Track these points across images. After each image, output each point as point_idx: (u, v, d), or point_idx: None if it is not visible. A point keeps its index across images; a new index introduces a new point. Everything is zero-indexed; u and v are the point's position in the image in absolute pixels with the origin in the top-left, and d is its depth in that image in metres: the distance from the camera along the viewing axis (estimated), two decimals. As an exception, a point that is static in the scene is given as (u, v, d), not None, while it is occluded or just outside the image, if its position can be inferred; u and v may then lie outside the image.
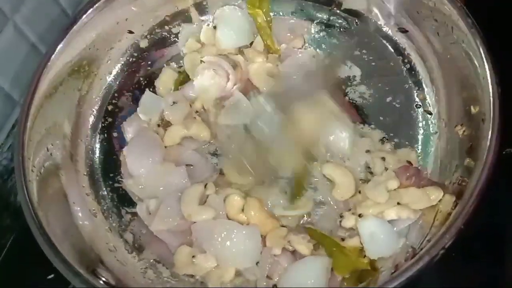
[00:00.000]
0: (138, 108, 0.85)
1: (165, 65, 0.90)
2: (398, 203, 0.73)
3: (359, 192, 0.76)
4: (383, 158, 0.78)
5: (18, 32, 0.81)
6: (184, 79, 0.88)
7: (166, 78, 0.88)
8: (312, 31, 0.89)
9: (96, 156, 0.83)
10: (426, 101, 0.82)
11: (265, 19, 0.89)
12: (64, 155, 0.78)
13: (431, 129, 0.80)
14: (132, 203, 0.80)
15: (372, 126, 0.82)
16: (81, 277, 0.62)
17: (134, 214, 0.79)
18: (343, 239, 0.74)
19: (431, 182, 0.75)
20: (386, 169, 0.77)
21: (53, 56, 0.75)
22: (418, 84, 0.83)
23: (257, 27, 0.89)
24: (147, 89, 0.86)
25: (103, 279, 0.65)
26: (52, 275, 0.78)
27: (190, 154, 0.82)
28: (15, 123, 0.85)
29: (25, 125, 0.70)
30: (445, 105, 0.79)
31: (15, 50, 0.82)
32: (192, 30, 0.90)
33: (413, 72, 0.84)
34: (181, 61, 0.89)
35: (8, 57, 0.81)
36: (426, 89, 0.82)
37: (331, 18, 0.89)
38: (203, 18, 0.91)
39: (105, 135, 0.85)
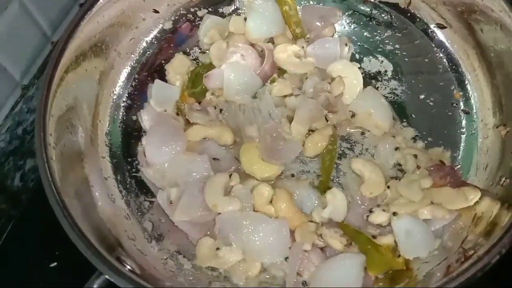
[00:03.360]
0: (150, 99, 0.81)
1: (181, 52, 0.86)
2: (432, 203, 0.70)
3: (388, 187, 0.74)
4: (415, 156, 0.75)
5: (23, 9, 0.76)
6: (201, 71, 0.83)
7: (178, 64, 0.84)
8: (344, 22, 0.87)
9: (115, 139, 0.79)
10: (464, 100, 0.80)
11: (291, 7, 0.85)
12: (84, 136, 0.73)
13: (468, 129, 0.78)
14: (150, 191, 0.76)
15: (404, 123, 0.80)
16: (108, 264, 0.57)
17: (153, 202, 0.75)
18: (374, 237, 0.71)
19: (466, 183, 0.72)
20: (418, 167, 0.75)
21: (77, 29, 0.71)
22: (456, 82, 0.81)
23: (283, 15, 0.85)
24: (156, 79, 0.82)
25: (128, 267, 0.60)
26: (55, 263, 0.76)
27: (216, 148, 0.78)
28: (15, 104, 0.80)
29: (47, 98, 0.66)
30: (485, 104, 0.77)
31: (20, 28, 0.77)
32: (215, 21, 0.86)
33: (449, 70, 0.81)
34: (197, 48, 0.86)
35: (11, 35, 0.76)
36: (464, 88, 0.80)
37: (365, 9, 0.86)
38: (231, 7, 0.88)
39: (125, 117, 0.80)
